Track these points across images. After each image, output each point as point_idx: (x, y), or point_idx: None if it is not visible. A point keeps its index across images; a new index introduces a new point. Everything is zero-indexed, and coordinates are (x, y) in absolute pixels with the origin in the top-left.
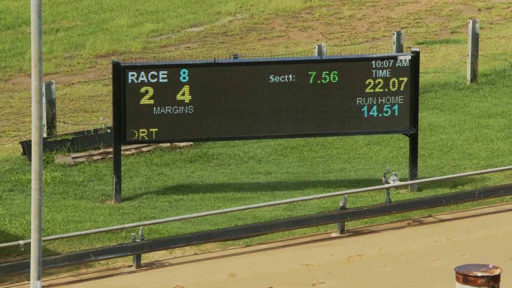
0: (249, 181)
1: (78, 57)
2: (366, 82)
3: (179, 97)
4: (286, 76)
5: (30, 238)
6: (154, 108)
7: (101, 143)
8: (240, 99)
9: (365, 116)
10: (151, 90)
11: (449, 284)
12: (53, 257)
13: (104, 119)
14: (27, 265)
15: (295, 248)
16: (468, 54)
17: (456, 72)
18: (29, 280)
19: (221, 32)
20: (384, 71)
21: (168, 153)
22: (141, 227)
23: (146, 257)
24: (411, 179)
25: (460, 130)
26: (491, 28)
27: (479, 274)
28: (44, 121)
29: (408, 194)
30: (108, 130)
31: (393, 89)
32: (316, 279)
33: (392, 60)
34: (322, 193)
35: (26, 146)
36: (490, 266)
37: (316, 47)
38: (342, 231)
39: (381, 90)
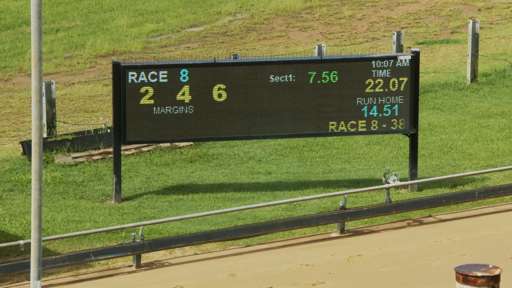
0: (249, 181)
1: (78, 57)
2: (366, 82)
3: (179, 97)
4: (286, 76)
5: (30, 238)
6: (154, 108)
7: (101, 143)
8: (240, 99)
9: (365, 116)
10: (151, 90)
11: (449, 284)
12: (53, 257)
13: (104, 119)
14: (27, 265)
15: (295, 248)
16: (468, 54)
17: (456, 72)
18: (29, 280)
19: (221, 32)
20: (384, 71)
21: (168, 153)
22: (141, 227)
23: (146, 257)
24: (411, 179)
25: (460, 130)
26: (491, 28)
27: (479, 274)
28: (44, 121)
29: (408, 194)
30: (108, 130)
31: (393, 89)
32: (316, 279)
33: (392, 60)
34: (322, 193)
35: (26, 146)
36: (490, 266)
37: (316, 47)
38: (342, 231)
39: (381, 90)
